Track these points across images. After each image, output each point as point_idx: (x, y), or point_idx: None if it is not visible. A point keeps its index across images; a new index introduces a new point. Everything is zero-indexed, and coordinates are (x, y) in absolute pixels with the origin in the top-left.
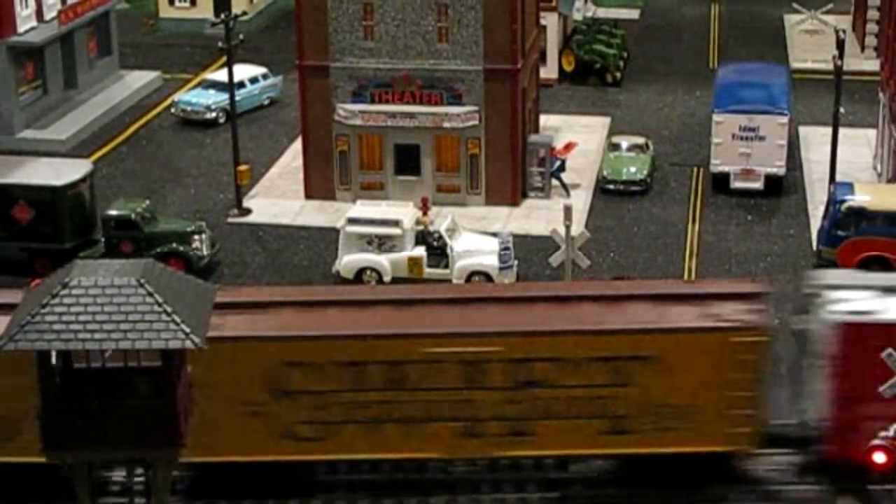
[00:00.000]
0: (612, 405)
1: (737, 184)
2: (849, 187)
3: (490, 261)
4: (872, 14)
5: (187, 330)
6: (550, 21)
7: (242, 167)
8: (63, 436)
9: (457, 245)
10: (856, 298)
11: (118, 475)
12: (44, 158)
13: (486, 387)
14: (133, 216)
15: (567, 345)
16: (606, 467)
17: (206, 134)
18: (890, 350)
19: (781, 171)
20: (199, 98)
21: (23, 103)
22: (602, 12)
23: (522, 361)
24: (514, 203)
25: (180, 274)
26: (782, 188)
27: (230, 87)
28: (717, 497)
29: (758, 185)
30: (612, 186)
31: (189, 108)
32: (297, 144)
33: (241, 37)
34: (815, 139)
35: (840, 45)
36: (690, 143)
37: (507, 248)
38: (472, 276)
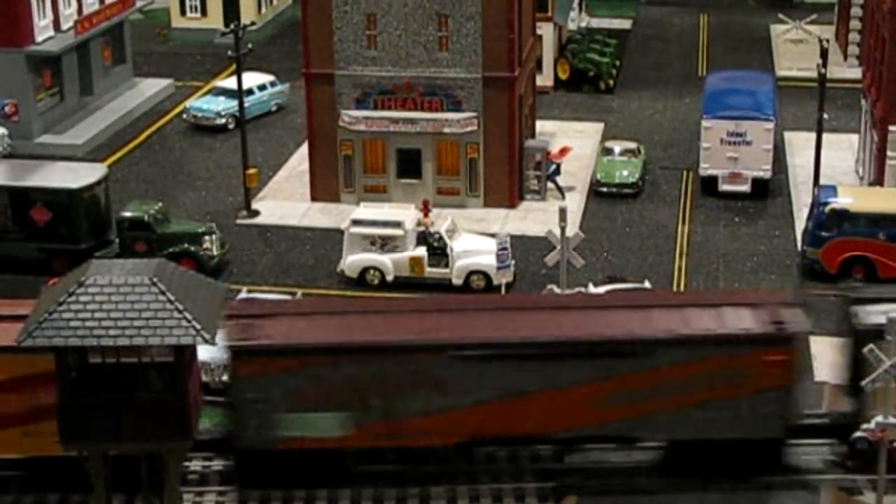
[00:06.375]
0: None
1: (725, 187)
2: (832, 190)
3: (488, 261)
4: (855, 24)
5: (198, 326)
6: (546, 31)
7: (251, 171)
8: (79, 427)
9: (456, 245)
10: None
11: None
12: (60, 162)
13: None
14: (146, 218)
15: None
16: (601, 458)
17: (217, 139)
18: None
19: (767, 175)
20: (210, 104)
21: (41, 109)
22: (596, 22)
23: None
24: (512, 205)
25: (191, 273)
26: (768, 191)
27: (239, 94)
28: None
29: (745, 188)
30: (605, 189)
31: (200, 115)
32: (304, 149)
33: (249, 46)
34: (799, 144)
35: (824, 53)
36: (680, 147)
37: (504, 249)
38: (470, 275)
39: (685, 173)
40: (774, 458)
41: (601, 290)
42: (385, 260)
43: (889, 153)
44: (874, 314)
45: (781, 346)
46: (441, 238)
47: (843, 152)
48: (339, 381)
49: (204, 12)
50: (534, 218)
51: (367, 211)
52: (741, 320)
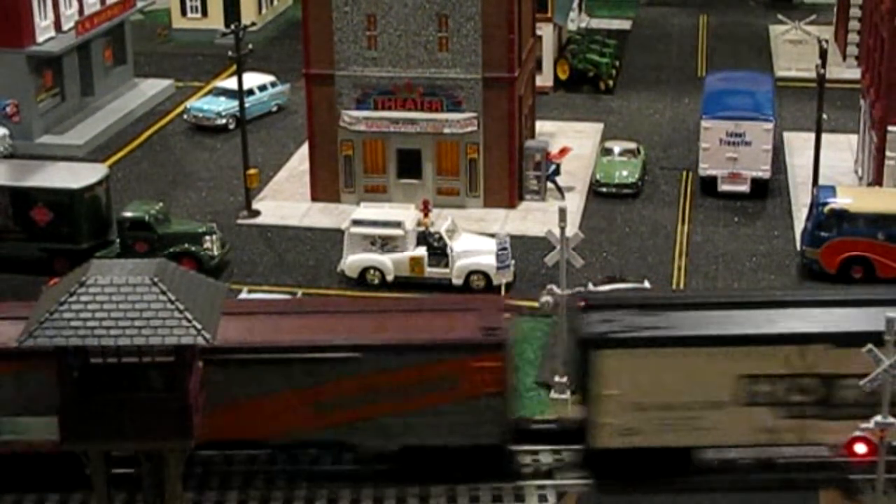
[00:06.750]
0: None
1: (724, 187)
2: (831, 190)
3: (488, 260)
4: (853, 25)
5: (199, 326)
6: (546, 31)
7: (251, 171)
8: (80, 427)
9: (456, 245)
10: None
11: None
12: (62, 162)
13: None
14: (147, 218)
15: None
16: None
17: (217, 139)
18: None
19: (767, 175)
20: (211, 105)
21: (42, 110)
22: (595, 23)
23: None
24: (511, 205)
25: (192, 273)
26: (767, 191)
27: (240, 94)
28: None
29: (744, 188)
30: (604, 189)
31: (200, 115)
32: (304, 149)
33: (250, 46)
34: (798, 144)
35: (823, 54)
36: (680, 147)
37: (504, 249)
38: (470, 275)
39: (685, 173)
40: (500, 464)
41: (601, 290)
42: (385, 260)
43: (888, 153)
44: (596, 322)
45: (493, 353)
46: (441, 238)
47: (842, 153)
48: (47, 385)
49: (204, 13)
50: (533, 218)
51: (367, 211)
52: (453, 327)
